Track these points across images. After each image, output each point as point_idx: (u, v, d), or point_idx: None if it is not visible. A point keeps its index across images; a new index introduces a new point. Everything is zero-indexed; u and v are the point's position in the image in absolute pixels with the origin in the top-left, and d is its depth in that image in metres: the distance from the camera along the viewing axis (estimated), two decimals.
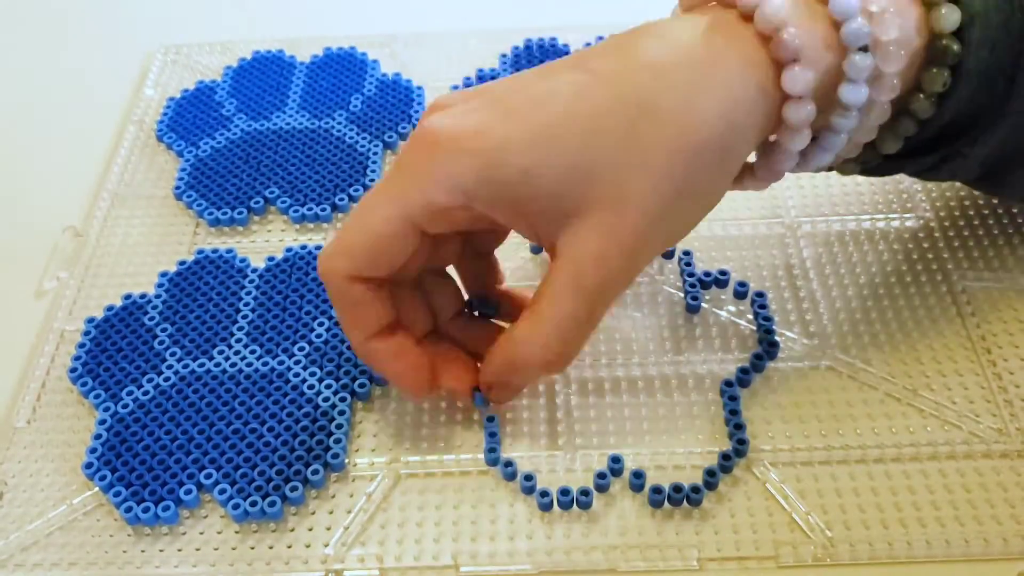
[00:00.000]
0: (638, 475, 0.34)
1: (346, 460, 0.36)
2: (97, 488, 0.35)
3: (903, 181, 0.45)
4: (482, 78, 0.52)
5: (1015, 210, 0.43)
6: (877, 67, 0.31)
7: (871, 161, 0.36)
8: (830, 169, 0.36)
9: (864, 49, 0.31)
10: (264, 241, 0.45)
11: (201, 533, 0.34)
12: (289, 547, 0.34)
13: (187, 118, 0.50)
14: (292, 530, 0.34)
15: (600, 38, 0.53)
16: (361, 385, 0.38)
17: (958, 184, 0.45)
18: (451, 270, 0.38)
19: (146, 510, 0.34)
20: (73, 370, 0.39)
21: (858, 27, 0.31)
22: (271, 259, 0.43)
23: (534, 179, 0.31)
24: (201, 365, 0.39)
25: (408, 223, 0.32)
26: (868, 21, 0.31)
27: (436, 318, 0.37)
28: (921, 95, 0.33)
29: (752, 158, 0.34)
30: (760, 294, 0.40)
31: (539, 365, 0.33)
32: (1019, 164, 0.36)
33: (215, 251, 0.43)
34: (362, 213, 0.33)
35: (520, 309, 0.35)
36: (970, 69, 0.32)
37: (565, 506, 0.34)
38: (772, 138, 0.33)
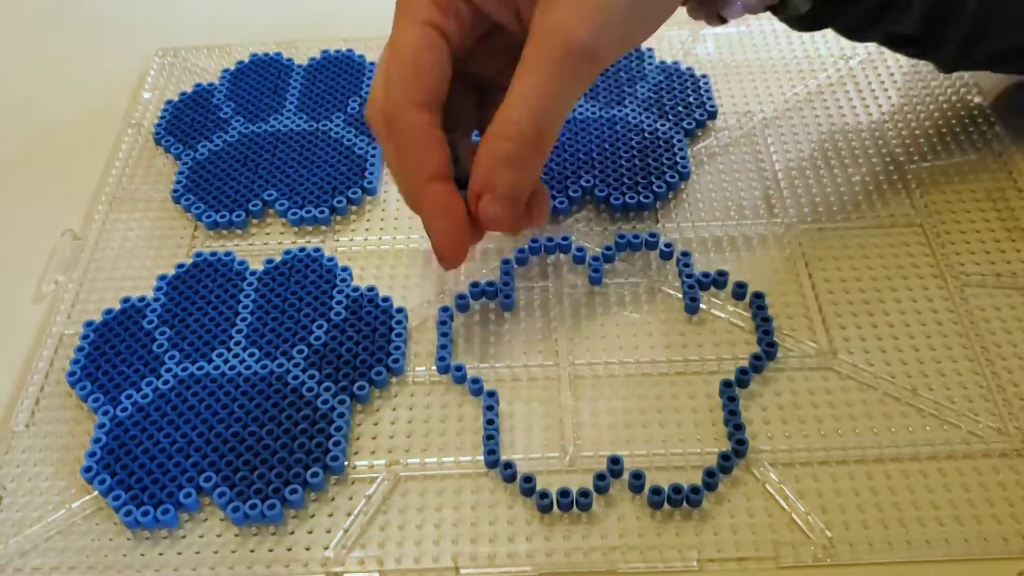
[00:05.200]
0: (637, 476, 0.34)
1: (345, 463, 0.36)
2: (96, 492, 0.35)
3: (901, 179, 0.45)
4: None
5: (1014, 208, 0.43)
6: None
7: None
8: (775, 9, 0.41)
9: None
10: (262, 244, 0.45)
11: (201, 536, 0.34)
12: (289, 550, 0.34)
13: (185, 121, 0.50)
14: (292, 533, 0.34)
15: None
16: (360, 387, 0.38)
17: (957, 183, 0.45)
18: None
19: (145, 514, 0.34)
20: (72, 374, 0.39)
21: None
22: (269, 262, 0.43)
23: None
24: (200, 368, 0.39)
25: (428, 27, 0.34)
26: None
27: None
28: None
29: None
30: (759, 294, 0.40)
31: (517, 143, 0.33)
32: (951, 20, 0.39)
33: (213, 254, 0.43)
34: (390, 44, 0.35)
35: None
36: None
37: (565, 508, 0.34)
38: None
